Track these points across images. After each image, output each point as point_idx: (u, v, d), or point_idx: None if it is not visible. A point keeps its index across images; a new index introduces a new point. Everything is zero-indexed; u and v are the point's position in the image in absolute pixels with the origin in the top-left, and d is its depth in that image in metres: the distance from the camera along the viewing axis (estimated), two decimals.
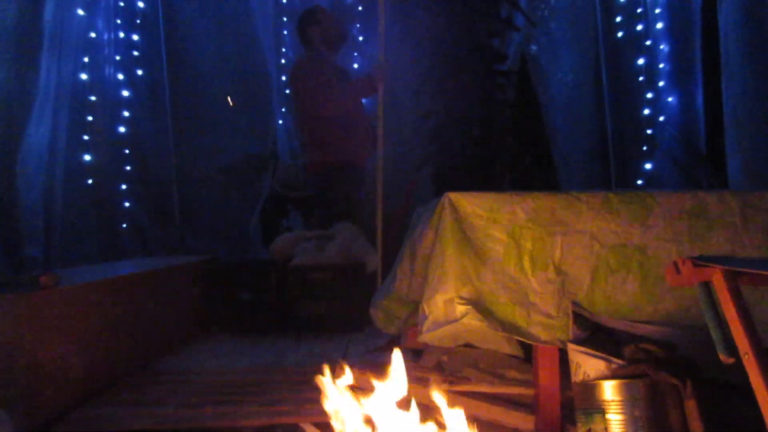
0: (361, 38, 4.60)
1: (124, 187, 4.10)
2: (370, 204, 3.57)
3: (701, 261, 1.21)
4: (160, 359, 2.59)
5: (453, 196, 1.73)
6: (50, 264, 3.20)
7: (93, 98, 3.78)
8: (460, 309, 1.63)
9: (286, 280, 3.24)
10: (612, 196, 1.71)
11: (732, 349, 1.15)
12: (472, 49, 3.73)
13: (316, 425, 1.70)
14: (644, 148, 4.40)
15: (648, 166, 4.36)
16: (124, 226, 4.06)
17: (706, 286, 1.22)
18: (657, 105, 4.36)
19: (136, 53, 4.25)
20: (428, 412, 1.71)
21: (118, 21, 4.08)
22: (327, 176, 3.72)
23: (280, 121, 4.56)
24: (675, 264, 1.25)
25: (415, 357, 2.22)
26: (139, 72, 4.26)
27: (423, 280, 1.78)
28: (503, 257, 1.69)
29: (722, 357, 1.16)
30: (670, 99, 4.30)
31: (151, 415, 1.86)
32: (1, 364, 1.66)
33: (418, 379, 1.97)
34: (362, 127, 3.75)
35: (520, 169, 4.47)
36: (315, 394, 2.03)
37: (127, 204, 4.11)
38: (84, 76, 3.68)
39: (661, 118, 4.33)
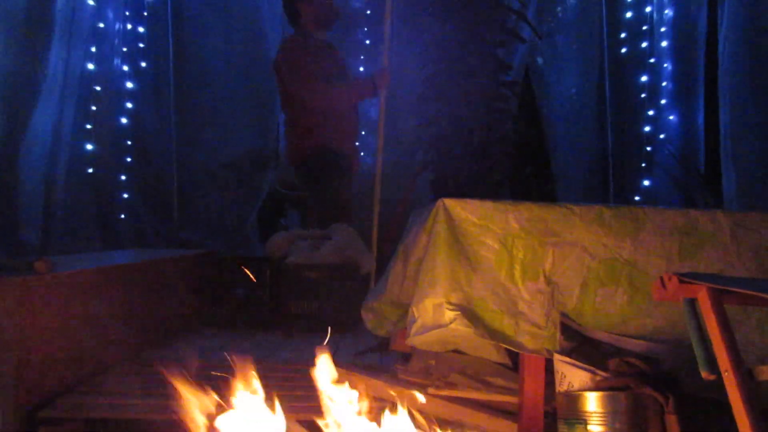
0: (367, 42, 4.62)
1: (123, 178, 4.11)
2: (366, 207, 3.57)
3: (687, 278, 1.23)
4: (151, 350, 2.59)
5: (447, 201, 1.74)
6: (47, 250, 3.21)
7: (98, 88, 3.78)
8: (449, 314, 1.64)
9: (281, 277, 3.25)
10: (605, 210, 1.73)
11: (713, 365, 1.17)
12: (477, 57, 3.74)
13: (301, 423, 1.71)
14: (643, 164, 4.43)
15: (646, 182, 4.38)
16: (122, 216, 4.07)
17: (692, 303, 1.24)
18: (658, 123, 4.39)
19: (141, 45, 4.26)
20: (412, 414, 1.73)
21: (126, 13, 4.10)
22: (311, 163, 3.56)
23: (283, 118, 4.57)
24: (662, 279, 1.26)
25: (403, 360, 2.23)
26: (144, 64, 4.27)
27: (414, 284, 1.80)
28: (494, 265, 1.71)
29: (703, 373, 1.17)
30: (671, 117, 4.32)
31: (136, 405, 1.87)
32: None
33: (405, 382, 1.98)
34: (350, 118, 3.64)
35: (519, 179, 4.49)
36: (303, 391, 2.06)
37: (125, 195, 4.12)
38: (91, 66, 3.69)
39: (662, 136, 4.36)
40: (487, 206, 1.73)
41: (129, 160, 4.16)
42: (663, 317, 1.68)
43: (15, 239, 2.91)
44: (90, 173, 3.75)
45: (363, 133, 4.45)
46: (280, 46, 3.60)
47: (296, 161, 3.64)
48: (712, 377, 1.16)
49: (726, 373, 1.13)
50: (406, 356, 2.25)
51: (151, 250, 3.86)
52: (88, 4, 3.61)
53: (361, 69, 4.53)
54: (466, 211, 1.73)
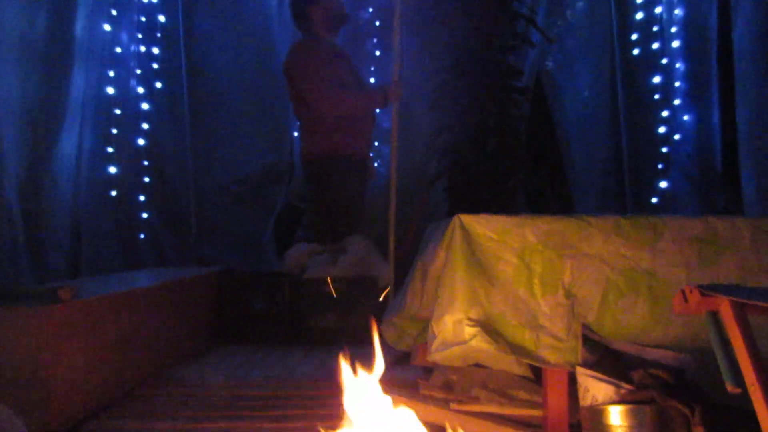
0: (378, 53, 4.64)
1: (142, 198, 4.16)
2: (381, 216, 3.57)
3: (708, 290, 1.22)
4: (173, 370, 2.62)
5: (464, 217, 1.75)
6: (72, 274, 3.26)
7: (118, 111, 3.85)
8: (469, 330, 1.65)
9: (299, 292, 3.27)
10: (623, 220, 1.73)
11: (739, 378, 1.16)
12: (487, 64, 3.75)
13: None
14: (659, 166, 4.38)
15: (663, 184, 4.34)
16: (142, 236, 4.12)
17: (714, 316, 1.23)
18: (672, 123, 4.35)
19: (156, 66, 4.32)
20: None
21: (140, 35, 4.16)
22: (323, 167, 3.53)
23: (296, 134, 4.60)
24: (683, 292, 1.26)
25: (425, 374, 2.23)
26: (159, 85, 4.32)
27: (433, 300, 1.80)
28: (513, 279, 1.71)
29: (729, 387, 1.16)
30: (685, 117, 4.28)
31: (161, 428, 1.89)
32: (18, 375, 1.70)
33: (426, 397, 1.98)
34: (365, 124, 3.62)
35: (533, 184, 4.48)
36: (327, 410, 2.07)
37: (145, 215, 4.16)
38: (110, 90, 3.75)
39: (677, 137, 4.32)
40: (504, 221, 1.74)
41: (147, 180, 4.21)
42: (685, 326, 1.67)
43: (43, 264, 2.96)
44: (112, 196, 3.80)
45: (376, 143, 4.46)
46: (291, 49, 3.58)
47: (309, 165, 3.63)
48: (737, 391, 1.15)
49: (752, 388, 1.12)
50: (428, 370, 2.25)
51: (170, 268, 3.90)
52: (105, 30, 3.67)
53: (372, 80, 4.54)
54: (482, 227, 1.73)
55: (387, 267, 3.27)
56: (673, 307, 1.27)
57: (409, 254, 2.37)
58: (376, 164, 4.44)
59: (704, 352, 1.58)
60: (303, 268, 3.36)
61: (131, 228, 4.04)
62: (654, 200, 4.35)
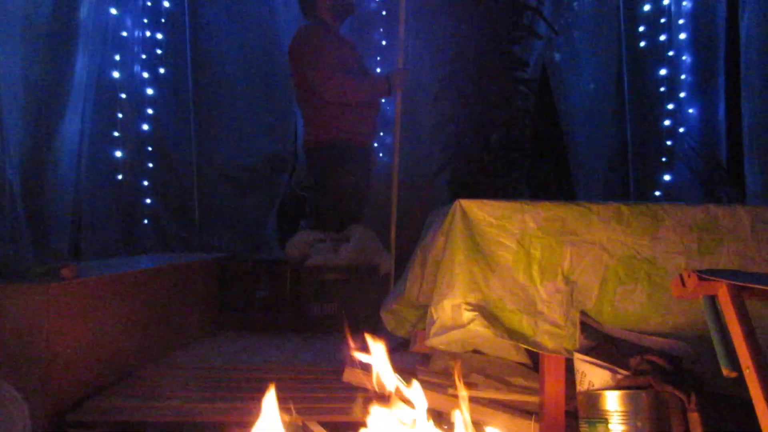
0: (384, 42, 4.63)
1: (146, 183, 4.17)
2: (384, 206, 3.57)
3: (707, 275, 1.22)
4: (174, 353, 2.64)
5: (464, 202, 1.75)
6: (75, 256, 3.27)
7: (123, 96, 3.85)
8: (468, 315, 1.65)
9: (301, 279, 3.28)
10: (623, 207, 1.72)
11: (735, 363, 1.16)
12: (493, 55, 3.74)
13: (323, 425, 1.73)
14: (664, 159, 4.37)
15: (667, 177, 4.33)
16: (145, 221, 4.14)
17: (712, 300, 1.23)
18: (678, 116, 4.33)
19: (159, 51, 4.32)
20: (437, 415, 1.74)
21: (145, 20, 4.16)
22: (328, 154, 3.52)
23: (300, 122, 4.61)
24: (681, 277, 1.26)
25: (424, 361, 2.24)
26: (162, 70, 4.33)
27: (432, 285, 1.80)
28: (512, 265, 1.71)
29: (725, 371, 1.17)
30: (691, 110, 4.26)
31: (161, 408, 1.90)
32: (19, 352, 1.71)
33: (425, 383, 1.99)
34: (369, 112, 3.60)
35: (538, 176, 4.48)
36: (324, 393, 2.08)
37: (148, 200, 4.18)
38: (116, 74, 3.76)
39: (682, 130, 4.30)
40: (504, 206, 1.74)
41: (150, 165, 4.22)
42: (683, 314, 1.67)
43: (46, 246, 2.97)
44: (117, 180, 3.82)
45: (381, 134, 4.46)
46: (297, 33, 3.55)
47: (311, 153, 3.63)
48: (733, 375, 1.15)
49: (747, 371, 1.13)
50: (427, 357, 2.26)
51: (173, 254, 3.92)
52: (111, 13, 3.67)
53: (378, 70, 4.53)
54: (483, 212, 1.73)
55: (388, 255, 3.28)
56: (672, 290, 1.27)
57: (411, 244, 2.37)
58: (380, 155, 4.44)
59: (702, 340, 1.59)
60: (305, 256, 3.37)
61: (134, 213, 4.05)
62: (657, 193, 4.34)
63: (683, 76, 4.31)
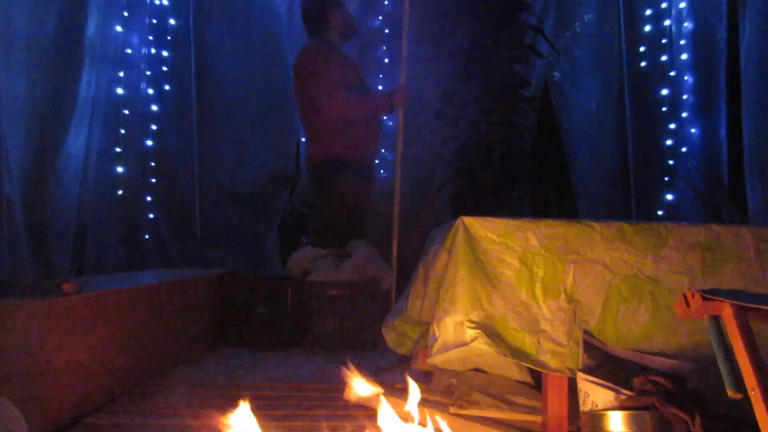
0: (386, 60, 4.66)
1: (148, 199, 4.18)
2: (386, 223, 3.58)
3: (711, 295, 1.22)
4: (175, 370, 2.62)
5: (467, 219, 1.75)
6: (77, 272, 3.27)
7: (126, 112, 3.88)
8: (470, 333, 1.64)
9: (302, 295, 3.27)
10: (626, 226, 1.72)
11: (740, 384, 1.15)
12: (495, 74, 3.77)
13: None
14: (665, 178, 4.38)
15: (669, 196, 4.34)
16: (147, 237, 4.14)
17: (716, 320, 1.22)
18: (679, 136, 4.35)
19: (165, 69, 4.36)
20: None
21: (150, 37, 4.20)
22: (330, 171, 3.53)
23: (303, 139, 4.62)
24: (684, 296, 1.25)
25: (425, 379, 2.23)
26: (167, 87, 4.36)
27: (435, 303, 1.80)
28: (515, 283, 1.71)
29: (730, 392, 1.16)
30: (693, 130, 4.29)
31: (162, 425, 1.89)
32: (19, 367, 1.70)
33: (426, 401, 1.97)
34: (371, 130, 3.63)
35: (539, 194, 4.48)
36: (327, 411, 2.06)
37: (150, 215, 4.19)
38: (120, 91, 3.79)
39: (684, 149, 4.32)
40: (507, 224, 1.73)
41: (153, 181, 4.23)
42: (687, 334, 1.66)
43: (48, 261, 2.97)
44: (119, 195, 3.83)
45: (383, 150, 4.47)
46: (301, 50, 3.60)
47: (314, 169, 3.64)
48: (738, 396, 1.14)
49: (752, 392, 1.12)
50: (428, 374, 2.25)
51: (174, 270, 3.91)
52: (116, 31, 3.71)
53: (380, 87, 4.56)
54: (485, 229, 1.73)
55: (389, 272, 3.27)
56: (676, 310, 1.26)
57: (412, 260, 2.37)
58: (382, 171, 4.45)
59: (706, 361, 1.58)
60: (306, 272, 3.36)
61: (136, 228, 4.06)
62: (660, 213, 4.34)
63: (685, 96, 4.34)
